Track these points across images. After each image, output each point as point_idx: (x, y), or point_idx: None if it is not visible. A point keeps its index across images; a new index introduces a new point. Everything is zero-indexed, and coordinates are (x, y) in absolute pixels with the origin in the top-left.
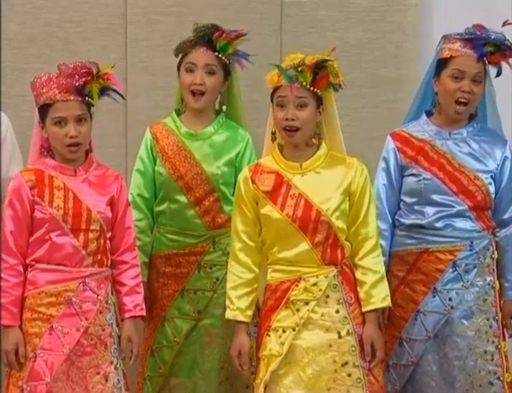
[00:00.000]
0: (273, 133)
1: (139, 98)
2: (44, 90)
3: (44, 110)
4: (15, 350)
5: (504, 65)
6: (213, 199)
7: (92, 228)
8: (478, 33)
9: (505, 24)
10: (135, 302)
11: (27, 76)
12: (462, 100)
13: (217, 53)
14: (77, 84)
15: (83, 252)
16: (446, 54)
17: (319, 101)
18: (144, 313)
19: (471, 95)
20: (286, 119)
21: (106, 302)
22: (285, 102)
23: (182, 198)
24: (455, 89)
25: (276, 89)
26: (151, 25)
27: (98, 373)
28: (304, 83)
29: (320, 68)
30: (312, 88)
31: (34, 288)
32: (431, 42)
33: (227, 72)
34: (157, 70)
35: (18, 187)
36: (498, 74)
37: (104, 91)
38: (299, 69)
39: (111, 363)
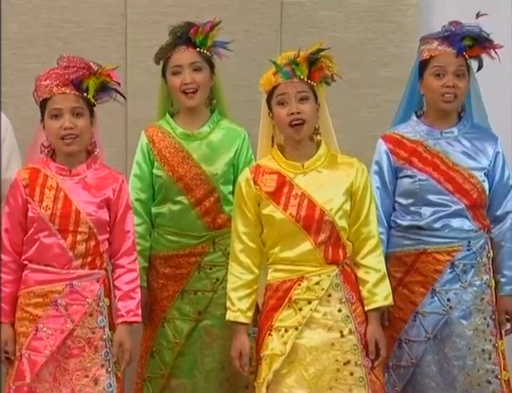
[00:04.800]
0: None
1: (139, 98)
2: (43, 83)
3: (44, 105)
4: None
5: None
6: (214, 199)
7: (80, 229)
8: (453, 29)
9: (478, 15)
10: (128, 307)
11: (27, 76)
12: (448, 95)
13: (198, 49)
14: (72, 77)
15: (70, 254)
16: (425, 55)
17: (315, 95)
18: (138, 319)
19: (456, 89)
20: (291, 114)
21: (98, 305)
22: (287, 99)
23: (183, 199)
24: (440, 86)
25: (273, 90)
26: (151, 25)
27: (87, 376)
28: (302, 77)
29: (315, 59)
30: (309, 81)
31: (25, 288)
32: None
33: (212, 65)
34: (157, 69)
35: (13, 185)
36: (479, 67)
37: (104, 90)
38: (296, 61)
39: (102, 366)
